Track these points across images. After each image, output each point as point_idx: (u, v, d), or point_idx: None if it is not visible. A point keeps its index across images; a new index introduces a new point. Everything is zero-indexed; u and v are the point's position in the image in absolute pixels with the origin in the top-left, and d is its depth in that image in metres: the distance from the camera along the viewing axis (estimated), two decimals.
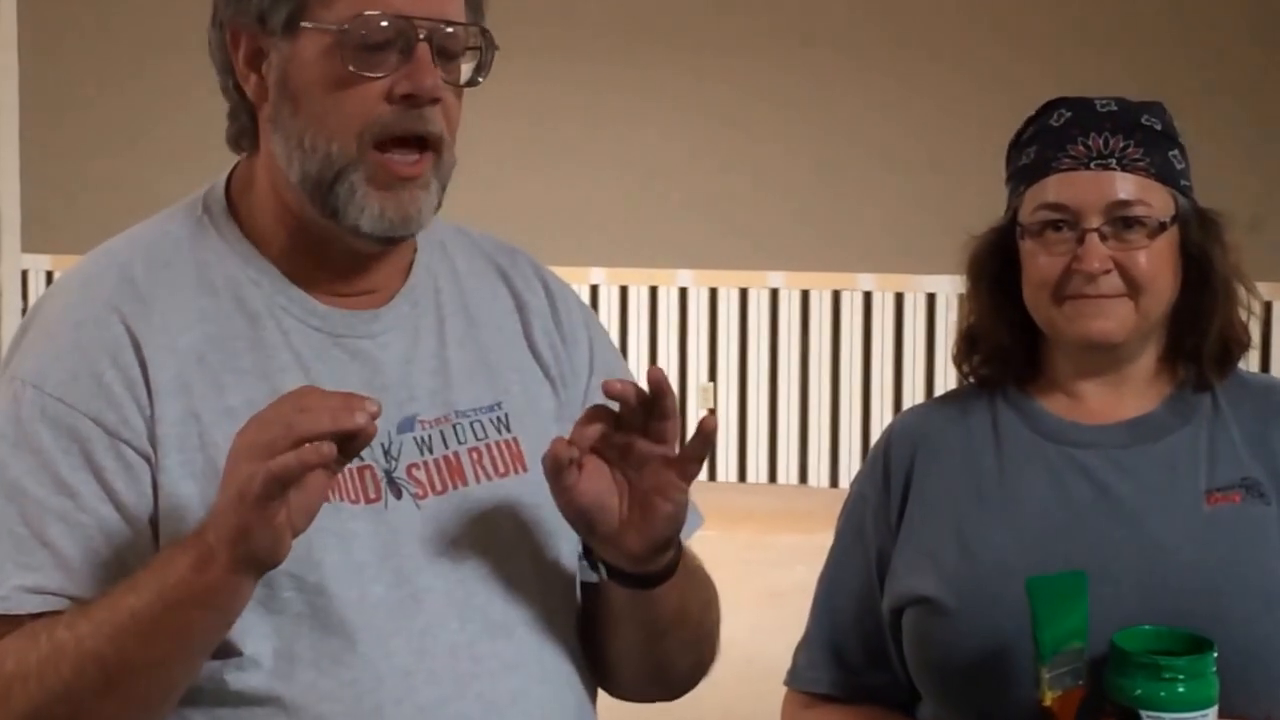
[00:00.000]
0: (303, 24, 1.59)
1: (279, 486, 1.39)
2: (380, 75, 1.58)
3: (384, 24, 1.57)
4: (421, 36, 1.58)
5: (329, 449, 1.40)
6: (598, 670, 1.78)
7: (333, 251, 1.66)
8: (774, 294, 8.25)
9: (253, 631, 1.55)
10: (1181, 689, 1.68)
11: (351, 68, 1.58)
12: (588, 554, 1.67)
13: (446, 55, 1.61)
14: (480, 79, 1.66)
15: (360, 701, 1.57)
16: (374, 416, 1.42)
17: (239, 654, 1.56)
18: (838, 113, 8.12)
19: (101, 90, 8.77)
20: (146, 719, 1.54)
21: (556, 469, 1.56)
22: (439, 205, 1.65)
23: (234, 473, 1.43)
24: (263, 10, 1.61)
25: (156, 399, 1.57)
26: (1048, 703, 1.70)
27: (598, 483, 1.58)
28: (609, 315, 8.31)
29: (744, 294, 8.29)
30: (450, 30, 1.61)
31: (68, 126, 8.78)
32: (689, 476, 1.58)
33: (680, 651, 1.77)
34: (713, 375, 8.36)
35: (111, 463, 1.56)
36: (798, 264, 8.17)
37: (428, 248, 1.75)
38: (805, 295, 8.20)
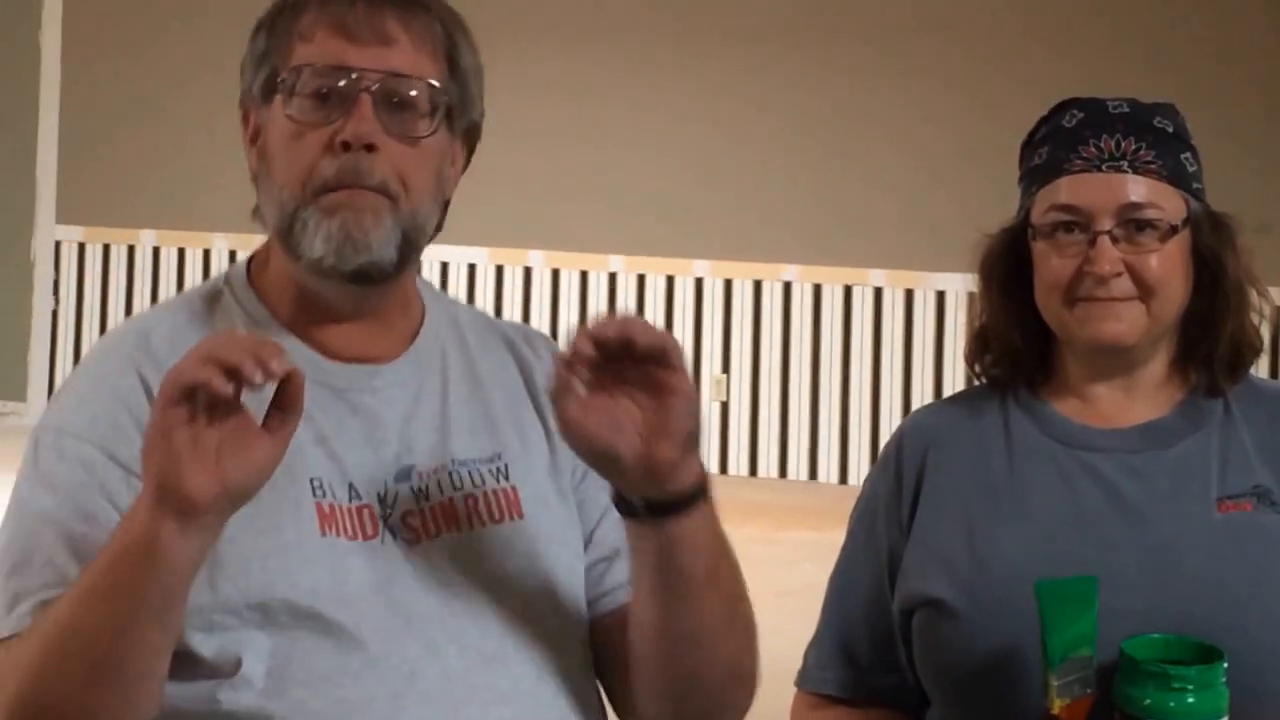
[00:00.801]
0: (275, 89, 1.67)
1: (177, 396, 1.41)
2: (324, 127, 1.64)
3: (323, 74, 1.64)
4: (371, 88, 1.63)
5: (221, 383, 1.40)
6: (627, 705, 1.77)
7: (329, 309, 1.71)
8: (787, 287, 8.25)
9: (248, 650, 1.58)
10: (1191, 699, 1.67)
11: (292, 115, 1.65)
12: (620, 501, 1.62)
13: (399, 109, 1.66)
14: (429, 132, 1.68)
15: None
16: (269, 374, 1.43)
17: (235, 672, 1.58)
18: (853, 108, 8.12)
19: (136, 65, 8.82)
20: (115, 703, 1.52)
21: (561, 393, 1.54)
22: (406, 253, 1.68)
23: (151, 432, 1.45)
24: (251, 84, 1.71)
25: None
26: (1056, 711, 1.69)
27: (607, 412, 1.54)
28: (626, 303, 8.32)
29: (758, 285, 8.29)
30: (404, 84, 1.66)
31: (102, 101, 8.84)
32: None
33: (712, 651, 1.70)
34: (726, 367, 8.36)
35: (124, 491, 1.59)
36: (811, 257, 8.17)
37: (438, 318, 1.81)
38: (818, 289, 8.20)
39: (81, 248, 8.97)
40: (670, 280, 8.40)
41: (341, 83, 1.63)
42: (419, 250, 1.71)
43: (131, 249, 8.88)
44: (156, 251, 8.83)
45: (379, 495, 1.66)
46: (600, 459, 1.57)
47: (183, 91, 8.66)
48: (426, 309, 1.80)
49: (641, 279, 8.41)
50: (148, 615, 1.48)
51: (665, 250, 8.36)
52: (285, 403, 1.46)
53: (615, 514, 1.71)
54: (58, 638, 1.49)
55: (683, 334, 8.38)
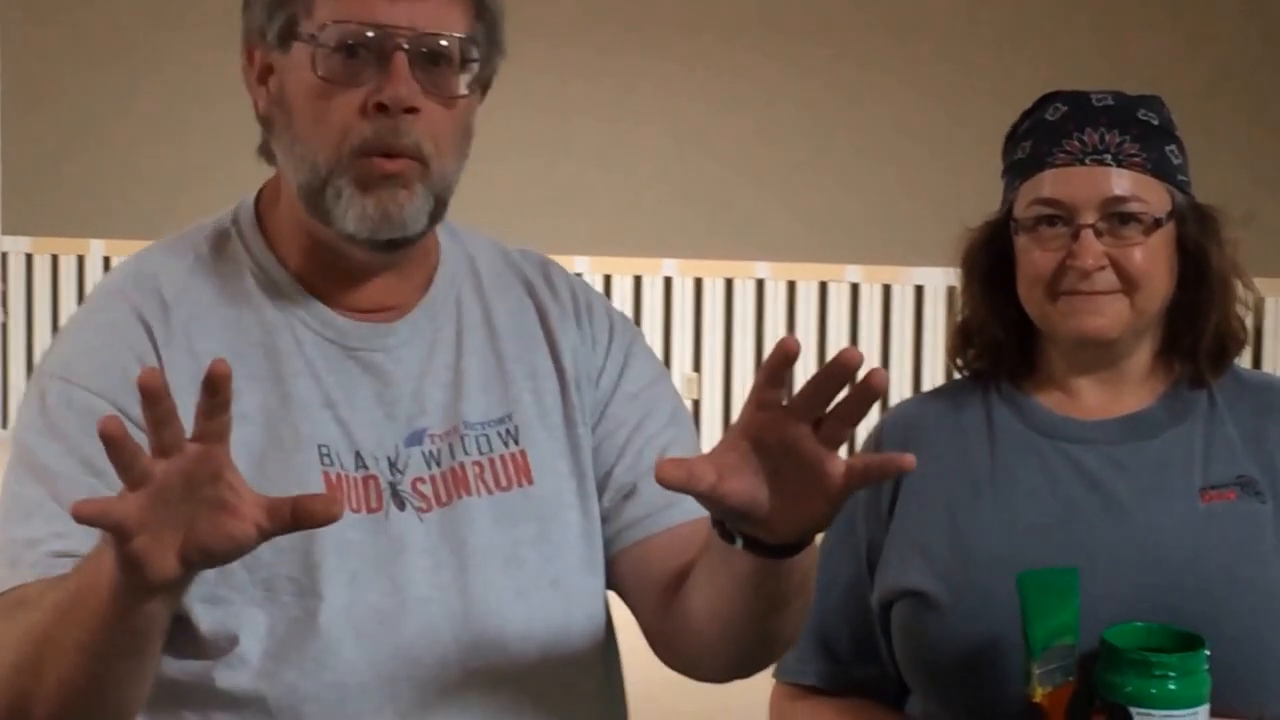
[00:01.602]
0: (294, 37, 1.62)
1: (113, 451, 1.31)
2: (356, 86, 1.59)
3: (355, 32, 1.58)
4: (403, 47, 1.58)
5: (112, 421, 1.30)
6: (663, 641, 1.72)
7: (345, 263, 1.68)
8: (759, 284, 8.25)
9: (246, 629, 1.57)
10: (1173, 686, 1.68)
11: (323, 75, 1.59)
12: (719, 525, 1.50)
13: (432, 66, 1.61)
14: (464, 91, 1.64)
15: (343, 705, 1.58)
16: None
17: (231, 649, 1.57)
18: (826, 103, 8.13)
19: (81, 73, 8.77)
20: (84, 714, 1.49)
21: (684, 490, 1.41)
22: (436, 216, 1.65)
23: None
24: (263, 26, 1.64)
25: (175, 399, 1.58)
26: (1038, 699, 1.70)
27: (744, 479, 1.40)
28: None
29: (729, 284, 8.30)
30: (438, 41, 1.60)
31: (47, 109, 8.78)
32: (837, 441, 1.38)
33: (792, 619, 1.64)
34: (697, 366, 8.37)
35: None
36: (784, 255, 8.18)
37: (452, 262, 1.77)
38: (791, 286, 8.21)
39: (29, 259, 8.89)
40: (638, 280, 8.41)
41: (371, 36, 1.58)
42: (446, 207, 1.67)
43: (81, 259, 8.80)
44: (107, 261, 8.71)
45: (390, 459, 1.65)
46: (726, 515, 1.45)
47: (127, 99, 8.62)
48: (442, 251, 1.77)
49: (608, 279, 8.41)
50: (120, 648, 1.44)
51: (632, 250, 8.36)
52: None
53: (632, 452, 1.73)
54: (36, 642, 1.46)
55: (652, 333, 8.39)
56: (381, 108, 1.58)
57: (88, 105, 8.74)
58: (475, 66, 1.64)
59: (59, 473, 1.56)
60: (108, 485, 1.51)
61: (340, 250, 1.66)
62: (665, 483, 1.36)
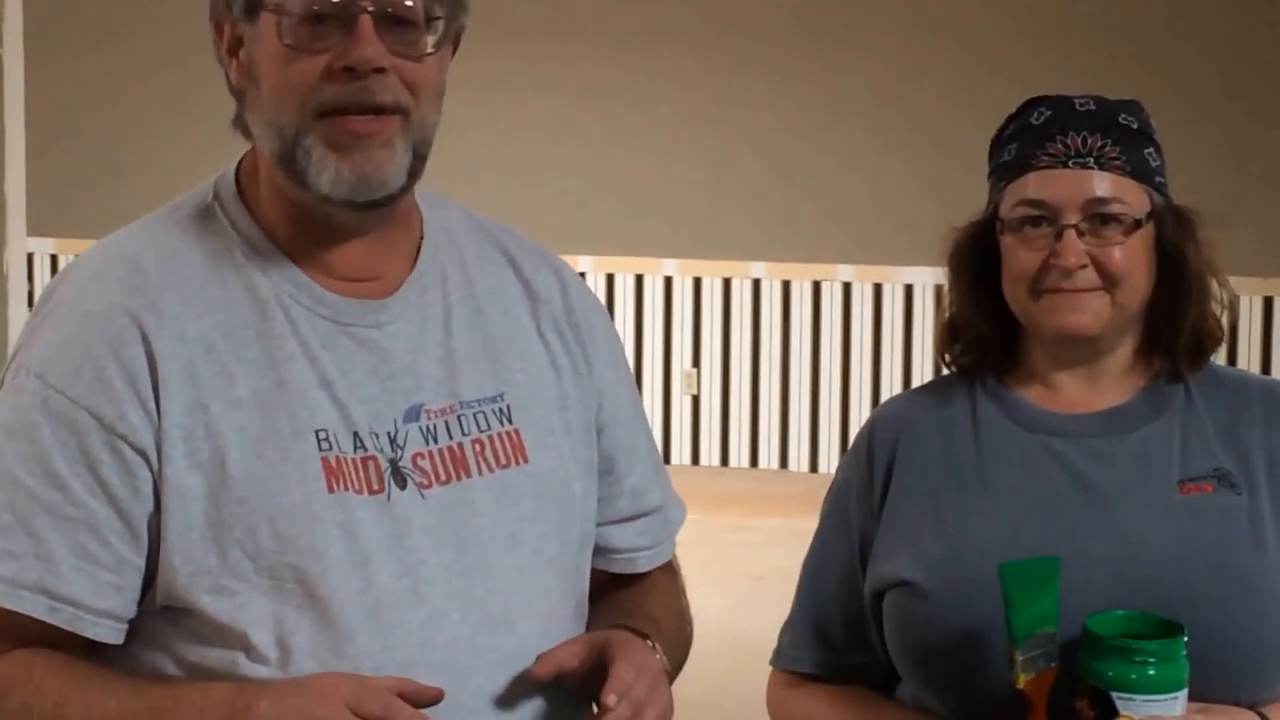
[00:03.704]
0: (261, 7, 1.61)
1: None
2: (321, 52, 1.58)
3: None
4: (368, 10, 1.58)
5: None
6: None
7: (328, 226, 1.66)
8: (756, 284, 8.28)
9: (257, 619, 1.58)
10: (1152, 672, 1.71)
11: (289, 43, 1.59)
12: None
13: (397, 27, 1.60)
14: (432, 49, 1.64)
15: None
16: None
17: (241, 642, 1.58)
18: (821, 107, 8.15)
19: (108, 76, 8.77)
20: None
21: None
22: (416, 169, 1.65)
23: (326, 697, 1.50)
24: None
25: (163, 391, 1.58)
26: (1021, 685, 1.73)
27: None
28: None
29: (727, 283, 8.33)
30: (402, 3, 1.60)
31: (73, 111, 8.78)
32: None
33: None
34: (696, 362, 8.40)
35: (107, 457, 1.57)
36: (779, 255, 8.21)
37: (435, 233, 1.76)
38: (786, 285, 8.24)
39: (54, 259, 8.90)
40: (639, 280, 8.43)
41: (336, 2, 1.58)
42: (425, 162, 1.66)
43: None
44: None
45: (389, 435, 1.64)
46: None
47: (148, 99, 8.62)
48: (425, 223, 1.76)
49: (610, 279, 8.43)
50: None
51: (634, 250, 8.38)
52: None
53: (646, 470, 1.83)
54: None
55: (652, 330, 8.41)
56: (348, 70, 1.58)
57: (113, 109, 8.73)
58: (441, 24, 1.64)
59: (21, 483, 1.57)
60: (68, 500, 1.56)
61: (321, 213, 1.65)
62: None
